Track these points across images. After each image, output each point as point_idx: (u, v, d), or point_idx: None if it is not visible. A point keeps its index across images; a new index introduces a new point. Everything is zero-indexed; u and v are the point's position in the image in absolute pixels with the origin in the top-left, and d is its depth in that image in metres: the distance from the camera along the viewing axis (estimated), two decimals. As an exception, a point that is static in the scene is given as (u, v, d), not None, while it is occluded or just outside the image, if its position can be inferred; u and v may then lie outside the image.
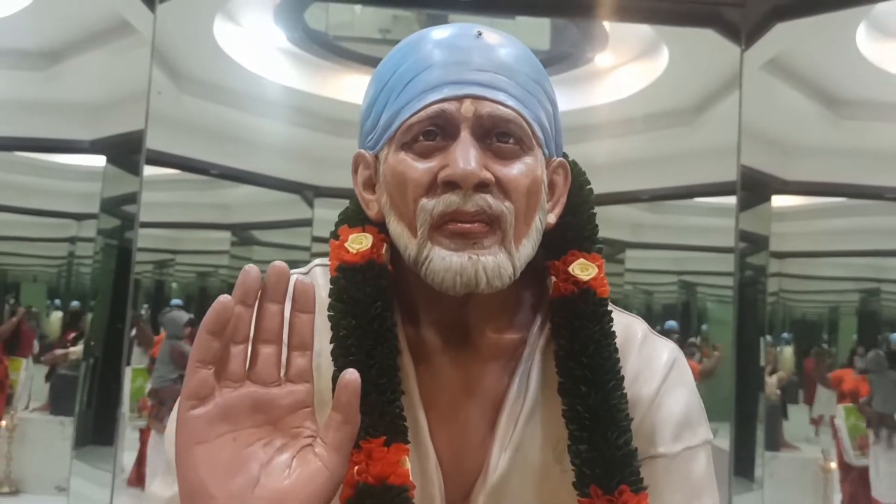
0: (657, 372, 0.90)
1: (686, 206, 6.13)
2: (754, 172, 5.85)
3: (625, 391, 0.83)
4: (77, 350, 6.55)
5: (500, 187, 0.80)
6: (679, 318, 6.81)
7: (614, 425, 0.80)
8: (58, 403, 6.50)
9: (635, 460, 0.80)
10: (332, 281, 0.85)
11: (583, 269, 0.87)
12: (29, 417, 6.55)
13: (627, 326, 0.92)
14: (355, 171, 0.91)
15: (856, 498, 6.07)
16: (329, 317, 0.82)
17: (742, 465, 5.96)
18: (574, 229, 0.91)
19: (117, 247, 6.85)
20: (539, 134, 0.84)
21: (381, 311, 0.81)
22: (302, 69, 6.69)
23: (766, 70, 5.61)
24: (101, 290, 6.79)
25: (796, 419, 7.27)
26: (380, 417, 0.77)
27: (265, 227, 7.61)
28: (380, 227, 0.88)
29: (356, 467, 0.75)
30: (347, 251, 0.85)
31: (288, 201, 7.18)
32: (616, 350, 0.85)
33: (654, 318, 7.50)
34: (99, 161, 6.31)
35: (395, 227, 0.83)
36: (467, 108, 0.79)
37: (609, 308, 0.88)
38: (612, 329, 0.85)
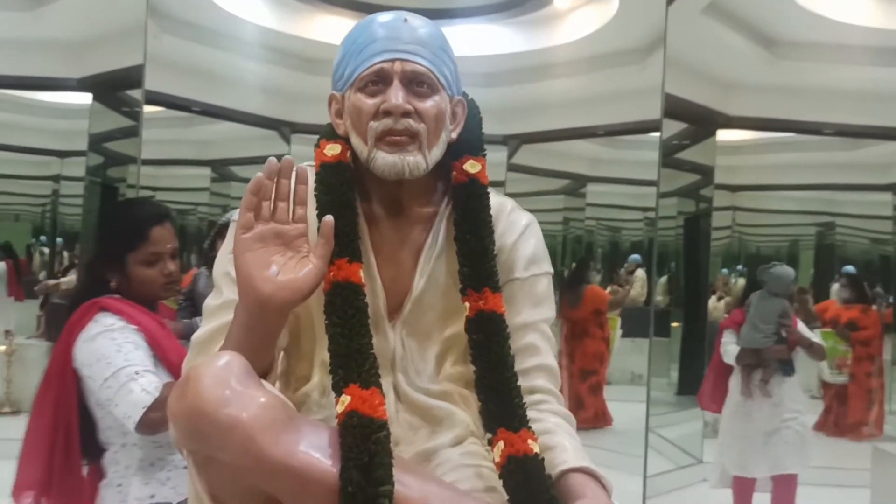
0: (517, 229, 1.41)
1: (642, 140, 6.44)
2: (699, 108, 6.26)
3: (493, 239, 1.34)
4: (69, 280, 6.91)
5: (418, 114, 1.29)
6: (642, 252, 7.15)
7: (485, 257, 1.32)
8: (51, 331, 6.84)
9: (496, 274, 1.32)
10: (317, 174, 1.32)
11: (471, 166, 1.37)
12: (26, 343, 6.92)
13: (501, 203, 1.42)
14: (329, 105, 1.39)
15: (831, 410, 6.87)
16: (315, 195, 1.29)
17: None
18: (468, 141, 1.40)
19: (101, 184, 7.08)
20: (443, 82, 1.32)
21: (345, 191, 1.31)
22: (278, 10, 6.92)
23: (707, 14, 5.99)
24: (87, 227, 6.99)
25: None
26: (345, 247, 1.26)
27: (243, 162, 7.92)
28: (345, 140, 1.35)
29: (331, 272, 1.24)
30: (325, 155, 1.34)
31: (265, 137, 7.51)
32: (490, 216, 1.35)
33: (617, 252, 7.86)
34: (85, 99, 6.52)
35: (355, 139, 1.32)
36: (397, 66, 1.29)
37: (488, 191, 1.37)
38: (489, 203, 1.36)
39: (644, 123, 5.90)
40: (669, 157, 6.43)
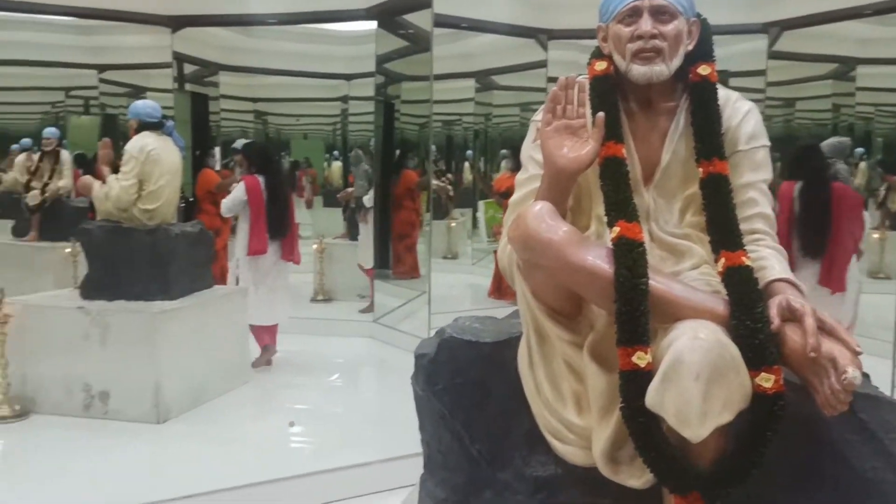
0: (740, 114, 1.86)
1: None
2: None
3: (721, 122, 1.81)
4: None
5: (662, 36, 1.78)
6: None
7: (714, 134, 1.80)
8: (353, 231, 7.97)
9: (722, 147, 1.79)
10: (590, 83, 1.86)
11: (703, 69, 1.84)
12: (333, 243, 8.13)
13: (727, 95, 1.87)
14: (598, 32, 1.92)
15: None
16: (590, 97, 1.81)
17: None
18: (701, 51, 1.87)
19: (383, 102, 7.91)
20: (680, 9, 1.81)
21: (611, 94, 1.84)
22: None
23: None
24: (377, 140, 7.85)
25: None
26: (612, 133, 1.78)
27: (504, 71, 8.43)
28: (609, 58, 1.88)
29: (603, 150, 1.76)
30: (596, 69, 1.88)
31: (524, 45, 7.95)
32: (718, 106, 1.82)
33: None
34: (371, 25, 7.31)
35: (616, 57, 1.85)
36: (646, 3, 1.79)
37: (716, 87, 1.83)
38: (717, 96, 1.83)
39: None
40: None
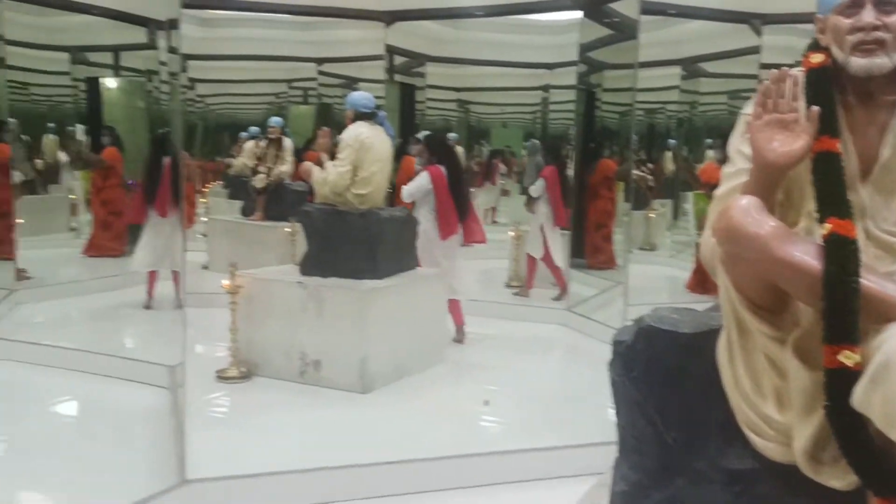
0: None
1: None
2: None
3: None
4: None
5: (885, 27, 1.71)
6: None
7: None
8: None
9: None
10: (805, 76, 1.81)
11: None
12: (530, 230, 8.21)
13: None
14: (815, 24, 1.84)
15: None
16: (804, 91, 1.77)
17: None
18: None
19: (585, 91, 7.90)
20: None
21: (827, 87, 1.78)
22: None
23: None
24: (579, 128, 7.85)
25: None
26: (826, 127, 1.72)
27: (713, 58, 8.11)
28: (826, 50, 1.81)
29: (816, 145, 1.70)
30: (811, 62, 1.82)
31: (736, 31, 7.61)
32: None
33: None
34: (576, 15, 7.33)
35: (834, 49, 1.79)
36: None
37: None
38: None
39: None
40: None
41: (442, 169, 5.85)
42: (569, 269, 7.26)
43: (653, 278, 8.14)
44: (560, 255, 7.23)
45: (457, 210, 5.83)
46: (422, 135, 7.03)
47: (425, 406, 4.62)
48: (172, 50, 5.04)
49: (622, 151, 7.70)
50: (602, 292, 7.18)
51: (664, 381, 1.88)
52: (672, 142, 9.06)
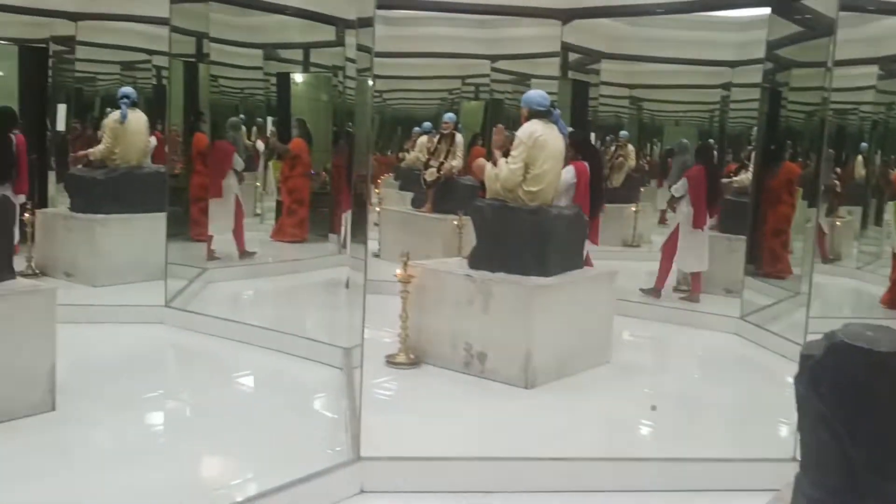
0: None
1: None
2: None
3: None
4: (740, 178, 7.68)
5: None
6: None
7: None
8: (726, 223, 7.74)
9: None
10: None
11: None
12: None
13: None
14: None
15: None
16: None
17: None
18: None
19: (769, 90, 7.51)
20: None
21: None
22: None
23: None
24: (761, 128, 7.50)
25: None
26: None
27: (916, 57, 7.48)
28: None
29: None
30: None
31: (946, 27, 6.99)
32: None
33: None
34: (763, 11, 7.00)
35: None
36: None
37: None
38: None
39: None
40: None
41: (586, 165, 6.25)
42: (743, 276, 6.96)
43: (836, 290, 7.67)
44: (696, 258, 7.07)
45: (595, 205, 6.24)
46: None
47: (588, 405, 4.61)
48: (362, 48, 5.30)
49: (806, 154, 7.29)
50: (778, 302, 6.83)
51: (855, 399, 1.79)
52: (864, 145, 8.49)
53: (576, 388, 4.87)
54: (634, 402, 4.62)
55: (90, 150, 7.35)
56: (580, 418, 4.38)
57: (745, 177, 7.57)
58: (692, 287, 7.19)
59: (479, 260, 5.15)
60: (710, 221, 7.15)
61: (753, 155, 7.48)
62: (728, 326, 6.50)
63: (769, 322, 6.43)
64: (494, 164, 5.24)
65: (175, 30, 6.50)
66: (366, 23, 4.07)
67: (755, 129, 7.67)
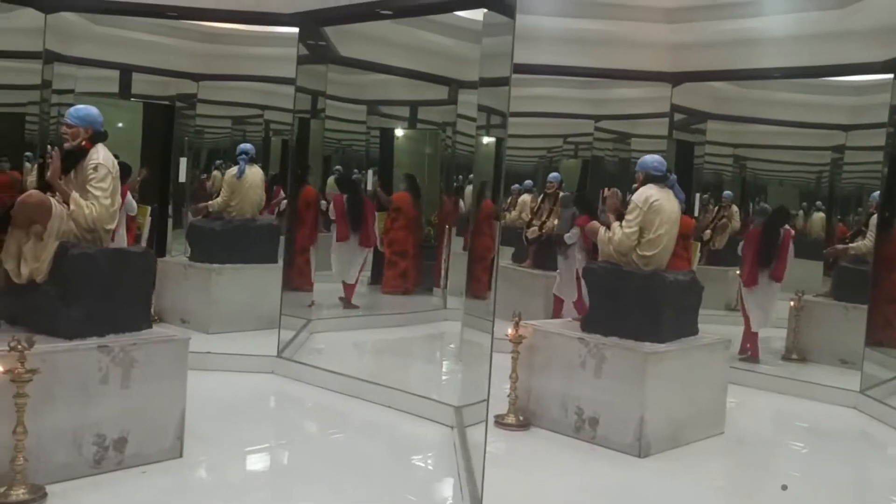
0: None
1: None
2: None
3: None
4: (857, 245, 7.41)
5: None
6: None
7: None
8: (838, 291, 7.50)
9: None
10: None
11: None
12: (813, 300, 7.69)
13: None
14: None
15: None
16: None
17: None
18: None
19: (889, 153, 7.26)
20: None
21: None
22: None
23: None
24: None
25: None
26: None
27: None
28: None
29: None
30: None
31: None
32: None
33: None
34: (887, 78, 6.81)
35: None
36: None
37: None
38: None
39: None
40: None
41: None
42: (863, 347, 6.67)
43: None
44: (755, 318, 7.18)
45: None
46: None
47: (707, 478, 4.49)
48: (484, 108, 5.54)
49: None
50: (898, 376, 6.53)
51: None
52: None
53: (690, 458, 4.74)
54: (751, 477, 4.47)
55: (210, 202, 7.69)
56: (698, 490, 4.26)
57: (863, 243, 7.31)
58: (751, 351, 7.26)
59: (593, 322, 5.12)
60: (772, 283, 7.23)
61: (871, 220, 7.21)
62: (847, 400, 6.23)
63: (889, 397, 6.14)
64: (607, 227, 5.24)
65: (299, 89, 6.80)
66: (501, 82, 4.28)
67: (874, 193, 7.41)
